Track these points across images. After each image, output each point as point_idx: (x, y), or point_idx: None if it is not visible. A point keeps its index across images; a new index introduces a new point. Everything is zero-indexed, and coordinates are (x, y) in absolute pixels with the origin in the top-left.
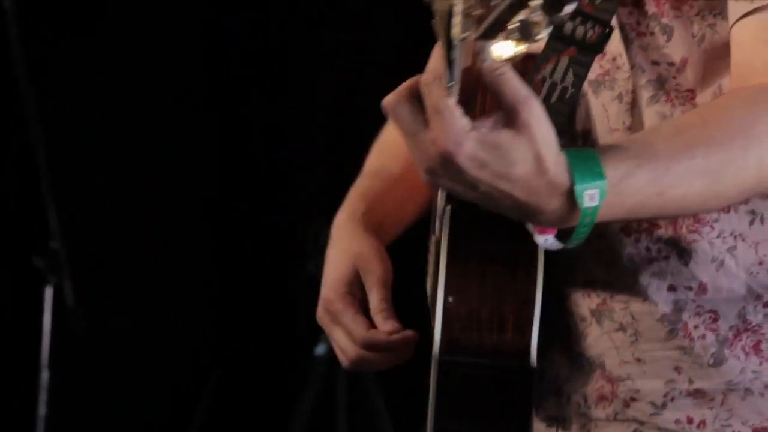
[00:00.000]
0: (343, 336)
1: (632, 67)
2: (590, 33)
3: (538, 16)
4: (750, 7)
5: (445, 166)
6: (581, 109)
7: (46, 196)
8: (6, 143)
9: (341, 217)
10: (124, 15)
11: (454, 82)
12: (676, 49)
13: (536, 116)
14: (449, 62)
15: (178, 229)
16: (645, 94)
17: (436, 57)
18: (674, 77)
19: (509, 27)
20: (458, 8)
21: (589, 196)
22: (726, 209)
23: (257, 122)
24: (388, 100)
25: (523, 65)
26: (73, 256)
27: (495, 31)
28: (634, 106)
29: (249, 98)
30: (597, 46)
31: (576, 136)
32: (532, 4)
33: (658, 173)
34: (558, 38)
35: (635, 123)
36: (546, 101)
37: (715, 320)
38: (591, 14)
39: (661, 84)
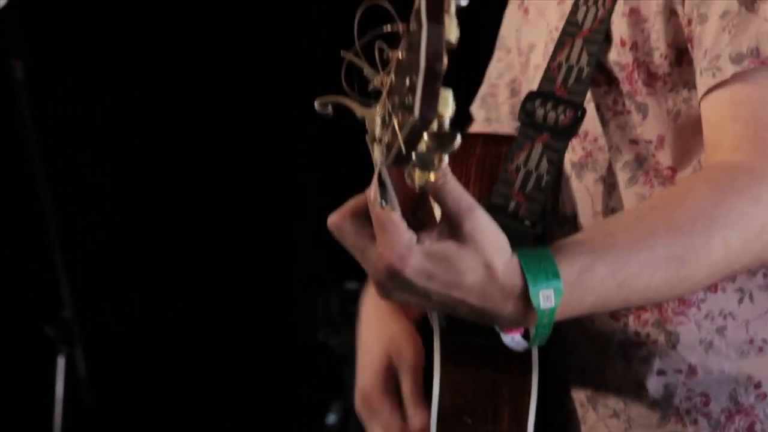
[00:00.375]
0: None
1: (610, 148)
2: (562, 117)
3: (433, 151)
4: (713, 82)
5: (394, 279)
6: (566, 192)
7: (57, 265)
8: (17, 213)
9: (368, 296)
10: (122, 17)
11: (385, 202)
12: (652, 126)
13: (481, 225)
14: (379, 183)
15: (189, 291)
16: (623, 176)
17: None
18: (653, 155)
19: (412, 158)
20: (376, 132)
21: (545, 296)
22: (713, 288)
23: (257, 122)
24: (332, 221)
25: (498, 149)
26: (85, 325)
27: (401, 160)
28: (613, 188)
29: (249, 98)
30: (570, 130)
31: (563, 221)
32: (423, 140)
33: (617, 265)
34: (530, 125)
35: (615, 206)
36: (521, 190)
37: (706, 403)
38: (563, 98)
39: (639, 164)
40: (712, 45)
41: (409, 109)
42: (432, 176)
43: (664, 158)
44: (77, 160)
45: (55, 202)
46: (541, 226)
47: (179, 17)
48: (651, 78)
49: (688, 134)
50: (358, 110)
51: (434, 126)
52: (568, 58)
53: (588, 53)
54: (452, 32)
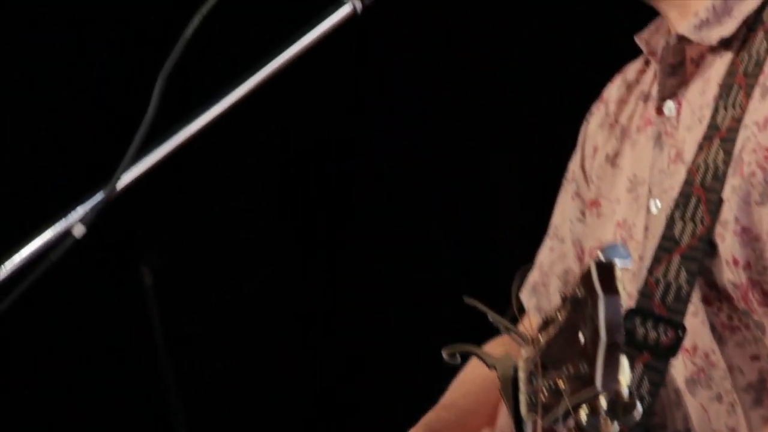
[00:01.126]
0: None
1: (730, 368)
2: (663, 337)
3: (606, 417)
4: None
5: None
6: (678, 409)
7: None
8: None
9: None
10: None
11: None
12: None
13: None
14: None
15: None
16: (747, 399)
17: (503, 415)
18: None
19: (576, 419)
20: (522, 387)
21: None
22: None
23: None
24: None
25: None
26: None
27: (561, 420)
28: (733, 408)
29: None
30: (671, 351)
31: None
32: (598, 406)
33: None
34: (630, 344)
35: (735, 425)
36: None
37: None
38: (663, 317)
39: (762, 383)
40: None
41: (584, 378)
42: None
43: None
44: (205, 368)
45: (185, 410)
46: None
47: None
48: (766, 297)
49: None
50: (488, 360)
51: (610, 394)
52: (665, 275)
53: (687, 271)
54: (624, 297)
